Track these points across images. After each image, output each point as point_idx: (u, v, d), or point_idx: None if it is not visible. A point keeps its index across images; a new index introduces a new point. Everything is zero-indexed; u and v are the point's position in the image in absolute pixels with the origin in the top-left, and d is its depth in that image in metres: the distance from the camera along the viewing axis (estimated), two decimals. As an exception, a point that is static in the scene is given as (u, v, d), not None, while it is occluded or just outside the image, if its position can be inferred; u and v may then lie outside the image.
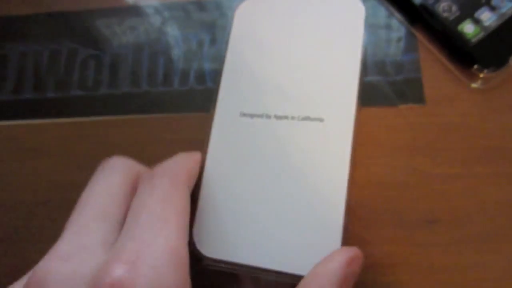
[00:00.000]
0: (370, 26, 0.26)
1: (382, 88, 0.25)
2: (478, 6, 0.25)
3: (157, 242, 0.17)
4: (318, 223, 0.21)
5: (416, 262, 0.23)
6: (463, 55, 0.25)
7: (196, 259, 0.22)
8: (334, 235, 0.21)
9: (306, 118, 0.23)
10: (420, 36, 0.26)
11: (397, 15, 0.26)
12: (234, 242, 0.22)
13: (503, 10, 0.25)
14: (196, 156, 0.23)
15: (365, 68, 0.26)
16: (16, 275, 0.25)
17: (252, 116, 0.24)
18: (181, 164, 0.21)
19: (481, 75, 0.25)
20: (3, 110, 0.29)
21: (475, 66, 0.24)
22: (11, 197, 0.27)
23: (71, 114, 0.28)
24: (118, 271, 0.16)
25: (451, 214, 0.23)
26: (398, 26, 0.26)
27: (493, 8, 0.25)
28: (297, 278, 0.20)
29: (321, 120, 0.23)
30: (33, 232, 0.26)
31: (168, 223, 0.18)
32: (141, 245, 0.17)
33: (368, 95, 0.25)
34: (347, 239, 0.22)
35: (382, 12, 0.27)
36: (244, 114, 0.24)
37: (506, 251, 0.22)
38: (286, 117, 0.24)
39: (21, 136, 0.28)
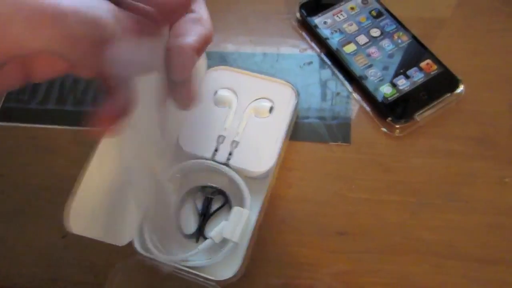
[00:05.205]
0: (320, 84, 0.34)
1: (319, 129, 0.32)
2: (396, 74, 0.32)
3: None
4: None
5: (327, 264, 0.28)
6: (382, 109, 0.32)
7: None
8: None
9: None
10: (354, 93, 0.33)
11: (340, 76, 0.34)
12: None
13: (415, 79, 0.32)
14: None
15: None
16: (18, 244, 0.31)
17: None
18: None
19: (396, 126, 0.32)
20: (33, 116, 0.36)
21: (389, 118, 0.31)
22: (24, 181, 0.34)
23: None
24: None
25: (358, 229, 0.29)
26: (339, 84, 0.34)
27: (407, 77, 0.32)
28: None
29: None
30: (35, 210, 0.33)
31: None
32: None
33: (307, 133, 0.32)
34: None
35: (328, 74, 0.35)
36: None
37: (399, 262, 0.28)
38: None
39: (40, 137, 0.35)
